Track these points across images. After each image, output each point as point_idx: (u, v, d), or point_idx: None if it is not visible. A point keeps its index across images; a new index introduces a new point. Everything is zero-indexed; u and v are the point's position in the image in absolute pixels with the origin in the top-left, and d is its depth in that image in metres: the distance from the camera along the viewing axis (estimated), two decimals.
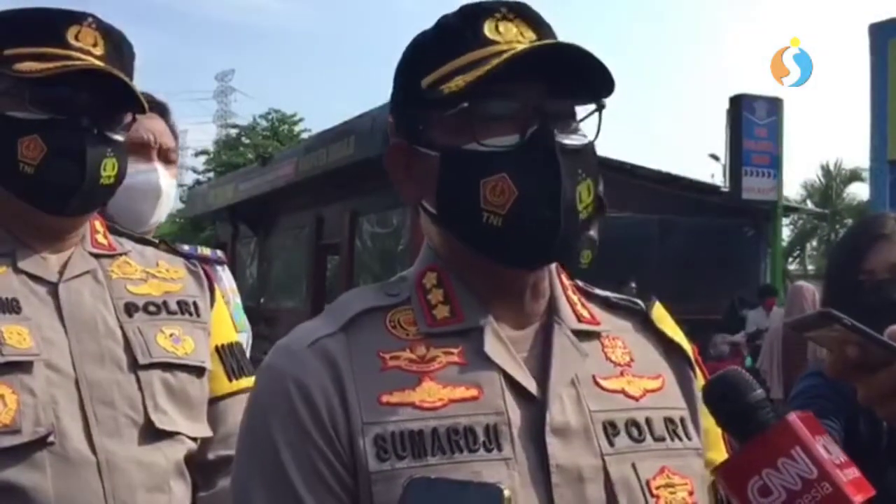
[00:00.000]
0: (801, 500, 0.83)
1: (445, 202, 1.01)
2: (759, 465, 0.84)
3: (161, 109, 2.02)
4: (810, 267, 28.87)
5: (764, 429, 0.86)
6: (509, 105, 0.98)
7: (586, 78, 0.98)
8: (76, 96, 1.39)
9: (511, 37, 1.00)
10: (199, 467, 1.51)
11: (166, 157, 2.00)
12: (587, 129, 1.04)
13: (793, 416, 0.86)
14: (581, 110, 1.04)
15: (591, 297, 1.12)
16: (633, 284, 7.89)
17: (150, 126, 1.96)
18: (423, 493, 0.88)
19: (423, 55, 1.04)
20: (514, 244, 0.99)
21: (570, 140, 1.00)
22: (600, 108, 1.03)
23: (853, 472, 0.85)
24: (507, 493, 0.88)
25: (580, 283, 1.14)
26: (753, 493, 0.84)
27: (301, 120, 29.75)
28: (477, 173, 0.98)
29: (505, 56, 0.95)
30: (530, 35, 1.02)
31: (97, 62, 1.41)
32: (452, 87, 0.96)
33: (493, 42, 1.00)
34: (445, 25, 1.03)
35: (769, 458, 0.84)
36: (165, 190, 1.97)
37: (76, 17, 1.43)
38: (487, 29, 1.00)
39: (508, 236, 0.98)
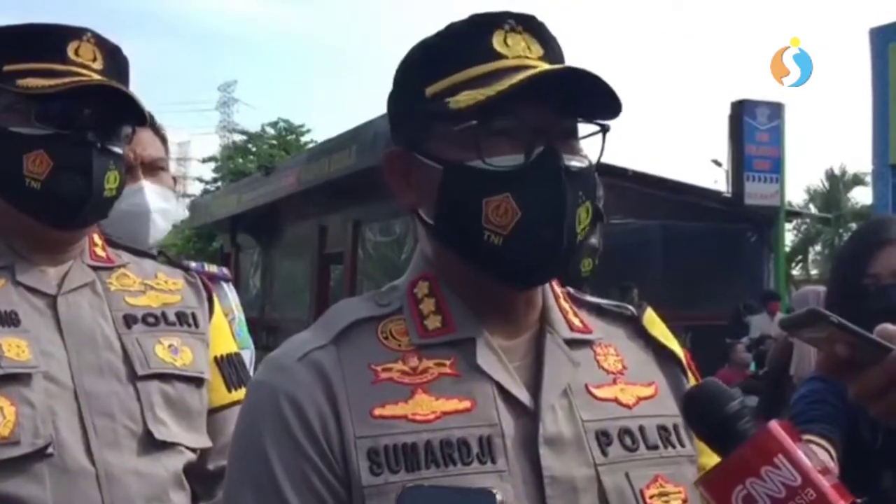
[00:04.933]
0: None
1: (445, 216, 1.01)
2: (743, 475, 0.84)
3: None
4: (814, 272, 28.79)
5: (745, 438, 0.86)
6: (516, 124, 0.97)
7: (595, 100, 0.98)
8: (80, 111, 1.40)
9: (519, 50, 1.00)
10: (199, 478, 1.50)
11: (152, 168, 1.93)
12: (587, 147, 1.03)
13: (774, 425, 0.86)
14: (582, 127, 1.04)
15: (582, 304, 1.12)
16: (636, 291, 7.87)
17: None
18: (417, 500, 0.88)
19: (428, 62, 1.02)
20: (512, 264, 0.99)
21: (574, 162, 0.99)
22: (605, 130, 1.02)
23: (833, 479, 0.85)
24: (499, 497, 0.89)
25: (571, 291, 1.14)
26: (738, 502, 0.84)
27: (308, 131, 29.58)
28: (480, 191, 0.97)
29: (519, 78, 0.94)
30: (537, 49, 1.01)
31: (98, 77, 1.42)
32: (461, 102, 0.96)
33: (502, 56, 0.99)
34: (453, 34, 1.02)
35: (752, 467, 0.84)
36: (156, 206, 1.91)
37: (75, 33, 1.44)
38: (496, 41, 0.99)
39: (508, 256, 0.98)
